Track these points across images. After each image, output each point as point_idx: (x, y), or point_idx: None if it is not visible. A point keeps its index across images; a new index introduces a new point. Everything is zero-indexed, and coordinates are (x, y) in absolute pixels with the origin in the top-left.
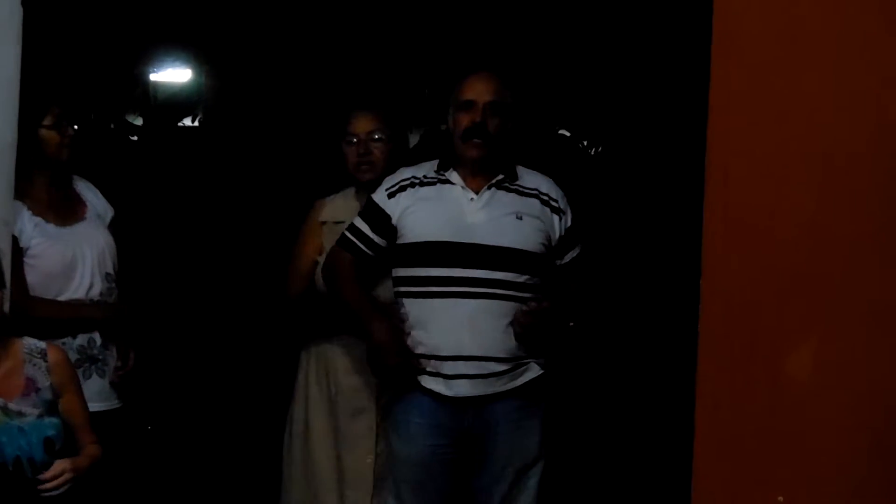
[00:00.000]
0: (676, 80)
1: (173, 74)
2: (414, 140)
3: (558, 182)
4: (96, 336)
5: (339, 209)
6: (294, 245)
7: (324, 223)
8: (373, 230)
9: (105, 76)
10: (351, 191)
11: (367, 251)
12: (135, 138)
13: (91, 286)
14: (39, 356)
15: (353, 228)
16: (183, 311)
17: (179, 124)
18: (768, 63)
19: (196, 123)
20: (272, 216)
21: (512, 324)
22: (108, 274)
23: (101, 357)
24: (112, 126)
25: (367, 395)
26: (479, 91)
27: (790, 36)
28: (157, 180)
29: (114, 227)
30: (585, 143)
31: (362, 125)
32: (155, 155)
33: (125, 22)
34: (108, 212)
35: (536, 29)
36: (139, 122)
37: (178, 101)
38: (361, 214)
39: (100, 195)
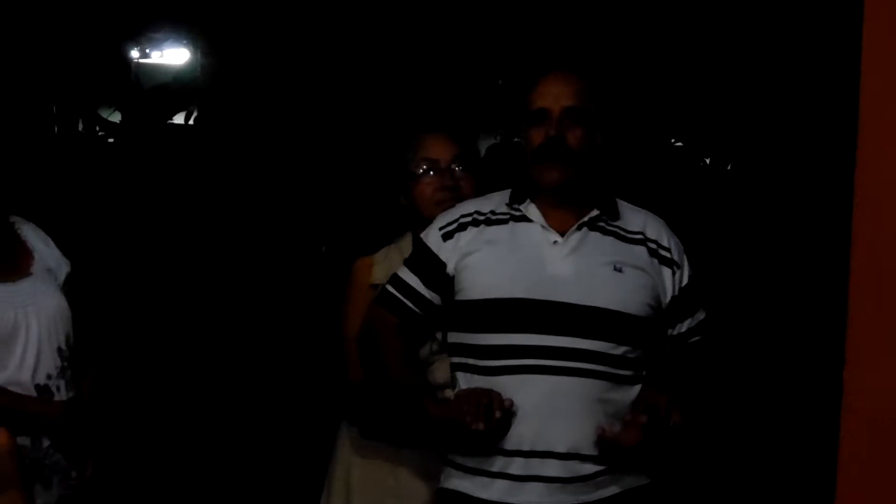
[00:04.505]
0: (821, 82)
1: (163, 56)
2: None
3: (674, 216)
4: (43, 439)
5: (395, 266)
6: (340, 322)
7: (376, 286)
8: (425, 283)
9: (71, 57)
10: (407, 241)
11: (418, 311)
12: (111, 140)
13: (37, 364)
14: None
15: (398, 282)
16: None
17: (170, 122)
18: None
19: (190, 122)
20: (287, 249)
21: (601, 441)
22: (59, 349)
23: (46, 463)
24: (81, 125)
25: None
26: (553, 96)
27: None
28: (140, 196)
29: (69, 287)
30: (708, 160)
31: (443, 150)
32: (137, 162)
33: None
34: (62, 266)
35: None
36: (117, 118)
37: (168, 92)
38: (409, 263)
39: (52, 244)
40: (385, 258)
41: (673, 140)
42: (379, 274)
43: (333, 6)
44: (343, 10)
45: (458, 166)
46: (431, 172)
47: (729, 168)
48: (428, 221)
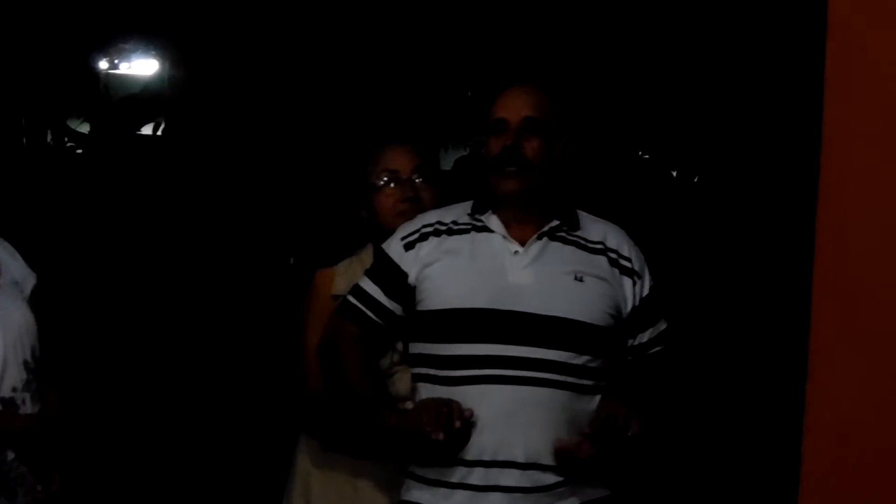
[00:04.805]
0: (786, 97)
1: (131, 67)
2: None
3: (642, 227)
4: (7, 452)
5: (356, 278)
6: (300, 332)
7: (338, 297)
8: (386, 294)
9: (39, 68)
10: (368, 253)
11: (379, 322)
12: (80, 151)
13: (2, 377)
14: None
15: (359, 292)
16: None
17: (138, 133)
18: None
19: (158, 133)
20: (252, 257)
21: (559, 454)
22: (25, 362)
23: (11, 476)
24: (50, 136)
25: None
26: (512, 107)
27: None
28: (108, 208)
29: (36, 300)
30: (676, 171)
31: (404, 161)
32: (106, 173)
33: None
34: (28, 279)
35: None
36: (86, 129)
37: (137, 103)
38: (371, 273)
39: (18, 257)
40: (346, 269)
41: (640, 152)
42: (340, 285)
43: (301, 19)
44: (311, 24)
45: (418, 177)
46: (392, 184)
47: (696, 180)
48: (389, 233)
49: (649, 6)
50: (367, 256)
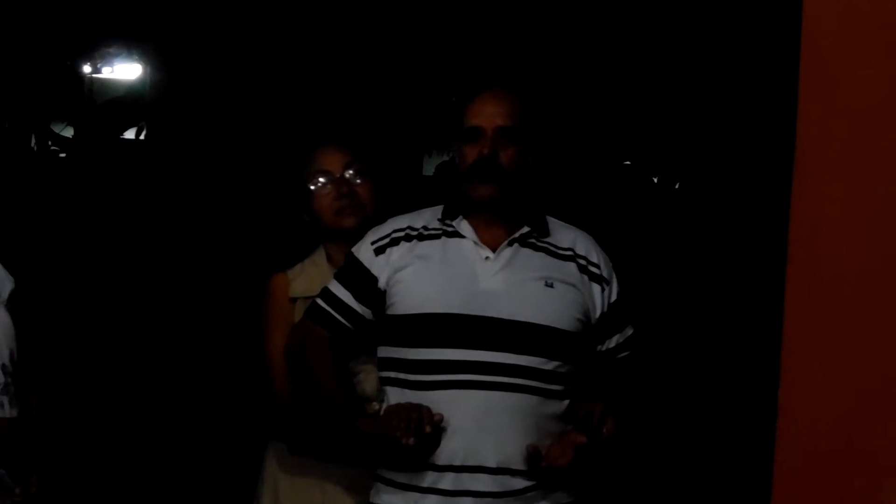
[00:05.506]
0: (762, 109)
1: (114, 71)
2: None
3: (620, 232)
4: None
5: (313, 279)
6: (261, 338)
7: (295, 300)
8: (356, 298)
9: (23, 72)
10: (321, 254)
11: (348, 325)
12: (64, 155)
13: None
14: None
15: (328, 296)
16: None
17: (122, 137)
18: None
19: (141, 136)
20: (235, 260)
21: (532, 458)
22: (3, 365)
23: None
24: (33, 140)
25: None
26: (487, 115)
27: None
28: (91, 211)
29: (14, 304)
30: (657, 178)
31: (334, 160)
32: (89, 177)
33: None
34: (5, 283)
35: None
36: (69, 133)
37: (120, 107)
38: (340, 276)
39: None
40: (301, 272)
41: (622, 159)
42: (297, 288)
43: (284, 25)
44: (295, 29)
45: (352, 173)
46: (327, 184)
47: (677, 186)
48: (333, 232)
49: (633, 15)
50: (319, 258)
